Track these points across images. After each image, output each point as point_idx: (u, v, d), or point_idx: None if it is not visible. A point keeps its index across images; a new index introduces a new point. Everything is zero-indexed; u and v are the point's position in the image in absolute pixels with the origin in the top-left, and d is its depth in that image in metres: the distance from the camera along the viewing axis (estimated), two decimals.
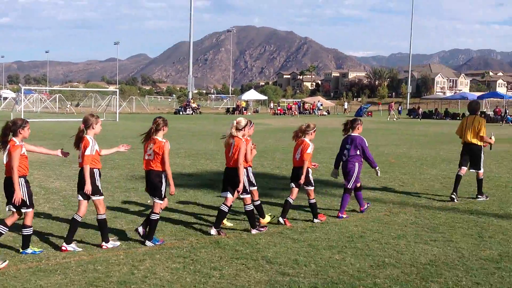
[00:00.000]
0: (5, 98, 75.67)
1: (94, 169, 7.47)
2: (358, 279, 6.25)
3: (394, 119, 54.13)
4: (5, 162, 7.02)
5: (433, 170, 15.45)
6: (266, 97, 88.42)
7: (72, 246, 7.31)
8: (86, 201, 7.47)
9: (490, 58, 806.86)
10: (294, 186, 9.05)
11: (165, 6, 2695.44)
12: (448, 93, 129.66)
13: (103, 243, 7.45)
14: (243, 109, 70.13)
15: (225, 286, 6.00)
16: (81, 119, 7.78)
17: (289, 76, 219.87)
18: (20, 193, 6.90)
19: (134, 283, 6.03)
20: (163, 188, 7.66)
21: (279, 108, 72.81)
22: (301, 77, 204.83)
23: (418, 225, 8.98)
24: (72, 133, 7.65)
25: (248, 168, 8.66)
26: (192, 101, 70.20)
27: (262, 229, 8.45)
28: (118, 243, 7.60)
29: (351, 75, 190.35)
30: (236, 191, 8.25)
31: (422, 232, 8.45)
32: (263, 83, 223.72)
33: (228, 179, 8.35)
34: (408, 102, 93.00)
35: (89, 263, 6.71)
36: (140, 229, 7.79)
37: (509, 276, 6.42)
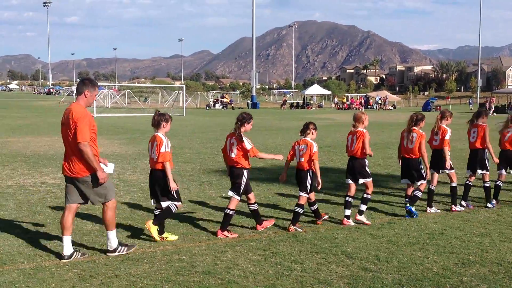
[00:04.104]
0: None
1: None
2: (443, 276, 6.13)
3: (494, 114, 52.18)
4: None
5: None
6: (329, 92, 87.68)
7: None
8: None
9: None
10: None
11: (226, 2, 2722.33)
12: None
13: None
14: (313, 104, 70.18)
15: (308, 280, 6.03)
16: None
17: (352, 71, 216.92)
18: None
19: (219, 273, 6.16)
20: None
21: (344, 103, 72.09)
22: (364, 71, 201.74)
23: (501, 223, 8.70)
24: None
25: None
26: (226, 96, 70.51)
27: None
28: None
29: (417, 69, 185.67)
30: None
31: (507, 231, 8.18)
32: (326, 78, 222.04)
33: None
34: (478, 96, 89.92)
35: (174, 253, 6.92)
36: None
37: None
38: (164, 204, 7.52)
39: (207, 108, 63.09)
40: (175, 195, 7.48)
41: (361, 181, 8.70)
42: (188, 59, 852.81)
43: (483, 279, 6.04)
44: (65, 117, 6.53)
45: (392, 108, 70.77)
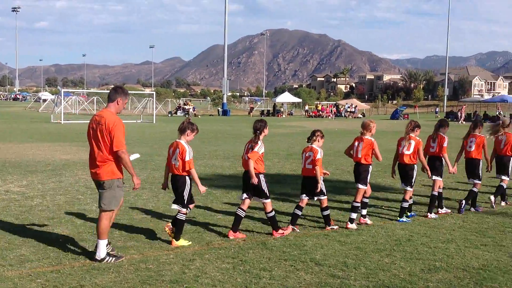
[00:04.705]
0: (45, 100, 77.41)
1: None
2: (410, 282, 6.18)
3: (464, 123, 52.86)
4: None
5: None
6: (300, 100, 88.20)
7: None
8: None
9: None
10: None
11: (198, 10, 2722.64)
12: (486, 96, 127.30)
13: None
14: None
15: (276, 287, 6.01)
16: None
17: (322, 79, 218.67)
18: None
19: (187, 282, 6.09)
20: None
21: (313, 110, 72.51)
22: (335, 79, 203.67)
23: (467, 229, 8.85)
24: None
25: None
26: (189, 103, 69.92)
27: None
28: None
29: (386, 78, 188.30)
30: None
31: (472, 237, 8.32)
32: (297, 86, 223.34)
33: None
34: (445, 104, 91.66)
35: (141, 261, 6.82)
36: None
37: None
38: (173, 207, 7.75)
39: (169, 115, 62.46)
40: (185, 201, 7.64)
41: (357, 185, 9.01)
42: (159, 65, 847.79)
43: (449, 285, 6.12)
44: (96, 122, 6.72)
45: (362, 116, 71.52)
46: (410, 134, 9.44)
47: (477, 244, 7.85)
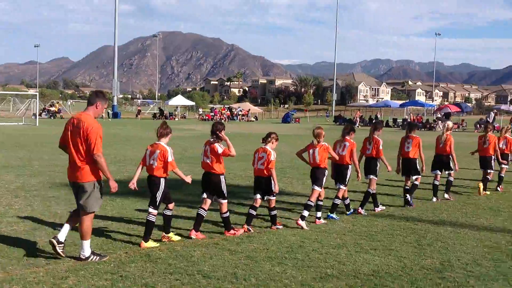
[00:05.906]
0: None
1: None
2: None
3: (359, 127, 54.21)
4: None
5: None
6: (193, 103, 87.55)
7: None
8: None
9: (409, 68, 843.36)
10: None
11: (88, 9, 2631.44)
12: (371, 101, 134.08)
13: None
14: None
15: None
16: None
17: (216, 82, 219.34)
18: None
19: None
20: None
21: (207, 114, 72.07)
22: (228, 83, 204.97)
23: (356, 233, 8.78)
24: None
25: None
26: (57, 105, 66.28)
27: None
28: None
29: (278, 82, 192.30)
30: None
31: (361, 241, 8.24)
32: (190, 89, 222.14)
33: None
34: (333, 109, 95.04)
35: (4, 281, 5.97)
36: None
37: (454, 286, 6.26)
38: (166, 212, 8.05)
39: (34, 117, 58.00)
40: (157, 203, 7.82)
41: (313, 186, 9.16)
42: (45, 66, 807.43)
43: None
44: (74, 125, 6.75)
45: (254, 119, 72.28)
46: (346, 137, 9.88)
47: (367, 249, 7.75)
